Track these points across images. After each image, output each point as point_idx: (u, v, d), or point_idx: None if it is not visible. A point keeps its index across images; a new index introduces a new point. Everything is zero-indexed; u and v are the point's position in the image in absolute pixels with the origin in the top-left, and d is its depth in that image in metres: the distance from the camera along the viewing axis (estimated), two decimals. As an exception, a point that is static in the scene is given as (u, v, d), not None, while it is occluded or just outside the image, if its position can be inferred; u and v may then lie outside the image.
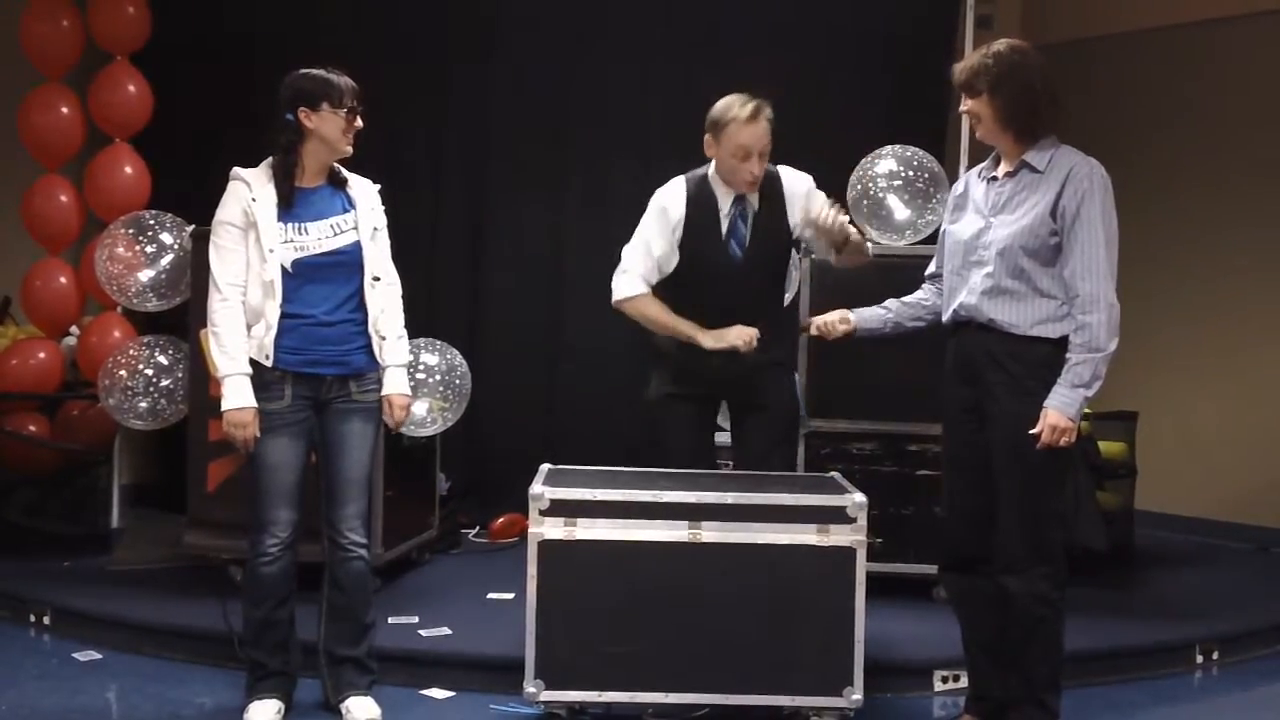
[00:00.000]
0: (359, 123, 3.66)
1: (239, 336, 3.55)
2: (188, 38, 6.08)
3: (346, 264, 3.64)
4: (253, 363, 3.56)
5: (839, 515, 3.60)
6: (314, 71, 3.64)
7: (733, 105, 3.85)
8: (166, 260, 5.09)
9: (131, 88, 5.66)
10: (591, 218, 5.92)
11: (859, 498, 3.63)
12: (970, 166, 4.83)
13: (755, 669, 3.57)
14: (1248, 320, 6.42)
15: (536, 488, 3.61)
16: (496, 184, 6.20)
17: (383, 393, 3.72)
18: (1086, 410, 5.04)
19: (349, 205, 3.69)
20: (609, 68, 6.12)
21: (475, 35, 6.19)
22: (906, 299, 3.74)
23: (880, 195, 4.98)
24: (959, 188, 3.65)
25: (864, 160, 5.06)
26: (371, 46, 6.12)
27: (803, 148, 6.05)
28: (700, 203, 3.96)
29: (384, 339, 3.69)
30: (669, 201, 3.98)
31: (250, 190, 3.58)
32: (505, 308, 6.14)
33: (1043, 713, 3.41)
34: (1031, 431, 3.26)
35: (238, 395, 3.53)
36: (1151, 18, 6.65)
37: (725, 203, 3.96)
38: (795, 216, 3.97)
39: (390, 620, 4.36)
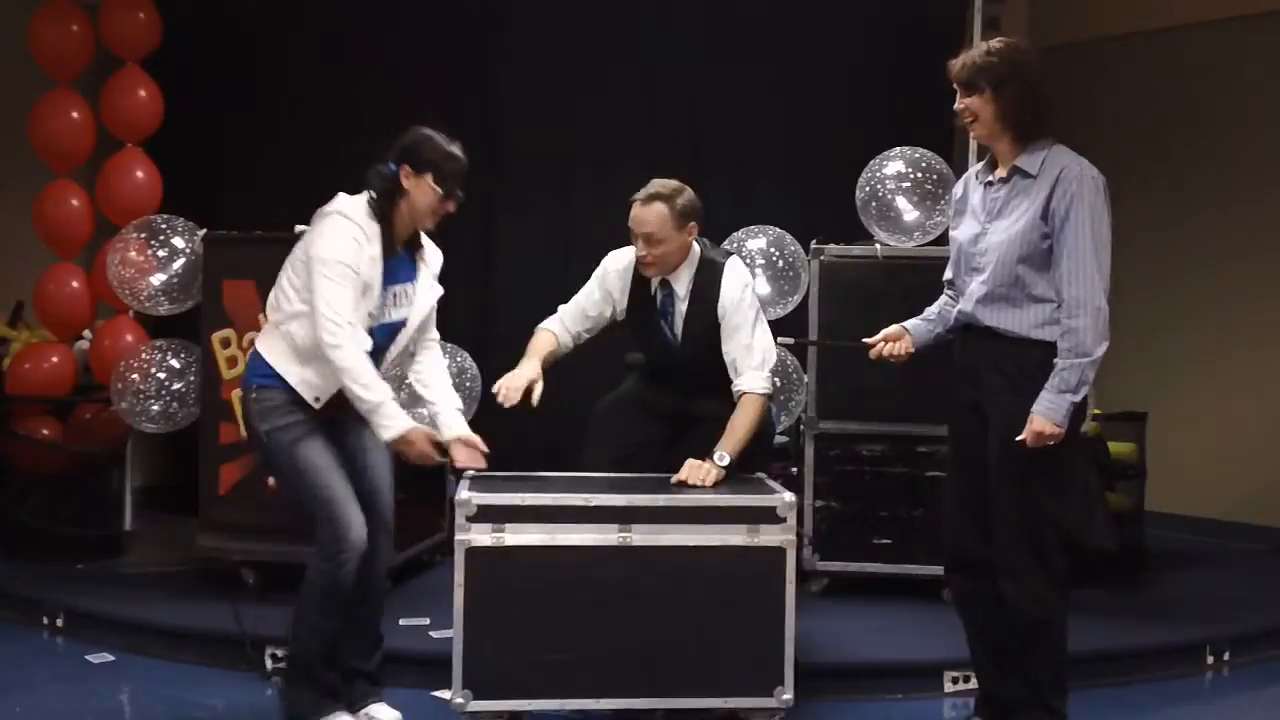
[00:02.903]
0: (450, 208, 3.60)
1: (369, 365, 3.45)
2: (198, 42, 6.11)
3: (403, 329, 3.63)
4: (292, 392, 3.48)
5: (769, 515, 3.56)
6: (440, 141, 3.57)
7: (646, 187, 3.86)
8: (178, 264, 5.10)
9: (142, 92, 5.68)
10: (599, 220, 5.91)
11: (788, 497, 3.60)
12: (978, 167, 4.85)
13: (687, 671, 3.54)
14: (1257, 320, 6.40)
15: (462, 494, 3.53)
16: (505, 187, 6.22)
17: (449, 437, 3.62)
18: (1095, 411, 5.04)
19: (416, 273, 3.66)
20: (616, 70, 6.14)
21: (481, 37, 6.21)
22: (943, 309, 3.66)
23: (889, 197, 4.99)
24: (958, 191, 3.61)
25: (872, 162, 5.07)
26: (376, 50, 6.16)
27: (811, 149, 6.12)
28: (640, 276, 3.98)
29: (429, 389, 3.68)
30: (611, 264, 4.05)
31: (365, 246, 3.48)
32: (514, 311, 6.14)
33: (1050, 716, 3.39)
34: (1018, 438, 3.24)
35: (396, 419, 3.45)
36: (1161, 18, 6.64)
37: (654, 281, 3.98)
38: (723, 321, 3.91)
39: (401, 622, 4.37)
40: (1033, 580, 3.33)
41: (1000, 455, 3.33)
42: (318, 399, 3.49)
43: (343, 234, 3.45)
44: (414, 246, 3.66)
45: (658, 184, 3.86)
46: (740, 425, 3.83)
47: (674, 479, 3.75)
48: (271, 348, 3.53)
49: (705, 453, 3.80)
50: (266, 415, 3.49)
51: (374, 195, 3.55)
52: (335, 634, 3.55)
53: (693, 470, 3.73)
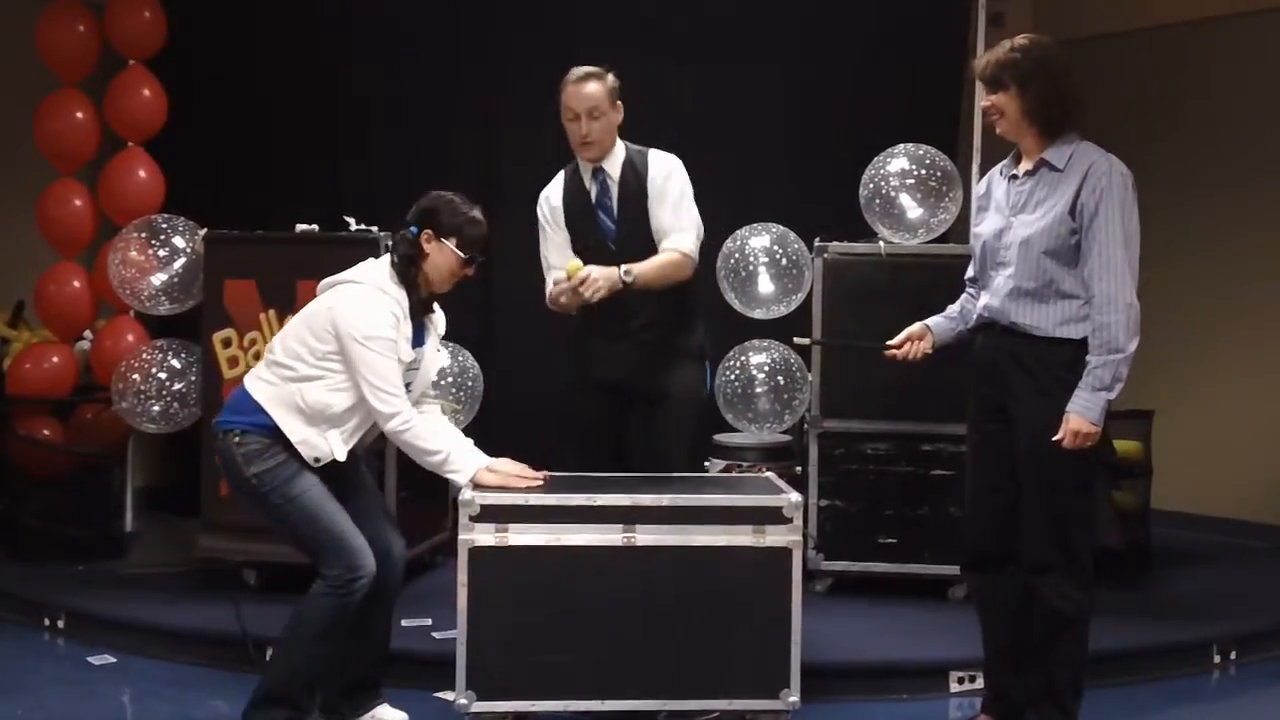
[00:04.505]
0: (470, 272, 3.61)
1: (422, 424, 3.48)
2: (200, 41, 6.10)
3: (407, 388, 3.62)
4: (283, 439, 3.42)
5: (775, 516, 3.54)
6: (458, 203, 3.58)
7: (569, 73, 4.03)
8: (179, 264, 5.09)
9: (146, 92, 5.67)
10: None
11: (794, 497, 3.58)
12: (983, 164, 4.84)
13: (691, 673, 3.51)
14: (1263, 318, 6.38)
15: (466, 494, 3.51)
16: (504, 187, 6.19)
17: (466, 480, 3.56)
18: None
19: (425, 338, 3.65)
20: (617, 69, 6.11)
21: (481, 35, 6.19)
22: (964, 307, 3.66)
23: (893, 194, 4.96)
24: (981, 187, 3.61)
25: (876, 159, 5.05)
26: (378, 50, 6.14)
27: (814, 146, 6.09)
28: (572, 184, 4.13)
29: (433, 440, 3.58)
30: (548, 190, 4.18)
31: (402, 323, 3.49)
32: (516, 309, 6.13)
33: (1062, 715, 3.38)
34: (1054, 438, 3.23)
35: (464, 466, 3.51)
36: (1167, 13, 6.62)
37: (587, 175, 4.09)
38: (653, 194, 4.03)
39: (404, 623, 4.35)
40: (1062, 578, 3.32)
41: (1031, 454, 3.32)
42: (317, 460, 3.44)
43: (382, 309, 3.45)
44: (426, 310, 3.65)
45: (583, 67, 4.02)
46: (653, 260, 3.92)
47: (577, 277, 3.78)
48: (273, 400, 3.45)
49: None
50: (253, 458, 3.42)
51: (396, 260, 3.53)
52: (328, 657, 3.48)
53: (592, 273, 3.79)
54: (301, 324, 3.52)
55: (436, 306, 3.72)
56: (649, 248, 4.00)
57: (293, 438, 3.42)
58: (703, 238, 4.11)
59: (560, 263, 4.07)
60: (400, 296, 3.50)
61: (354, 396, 3.45)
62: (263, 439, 3.43)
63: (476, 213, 3.60)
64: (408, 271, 3.53)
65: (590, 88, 3.97)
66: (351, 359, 3.42)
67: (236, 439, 3.44)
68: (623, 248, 4.01)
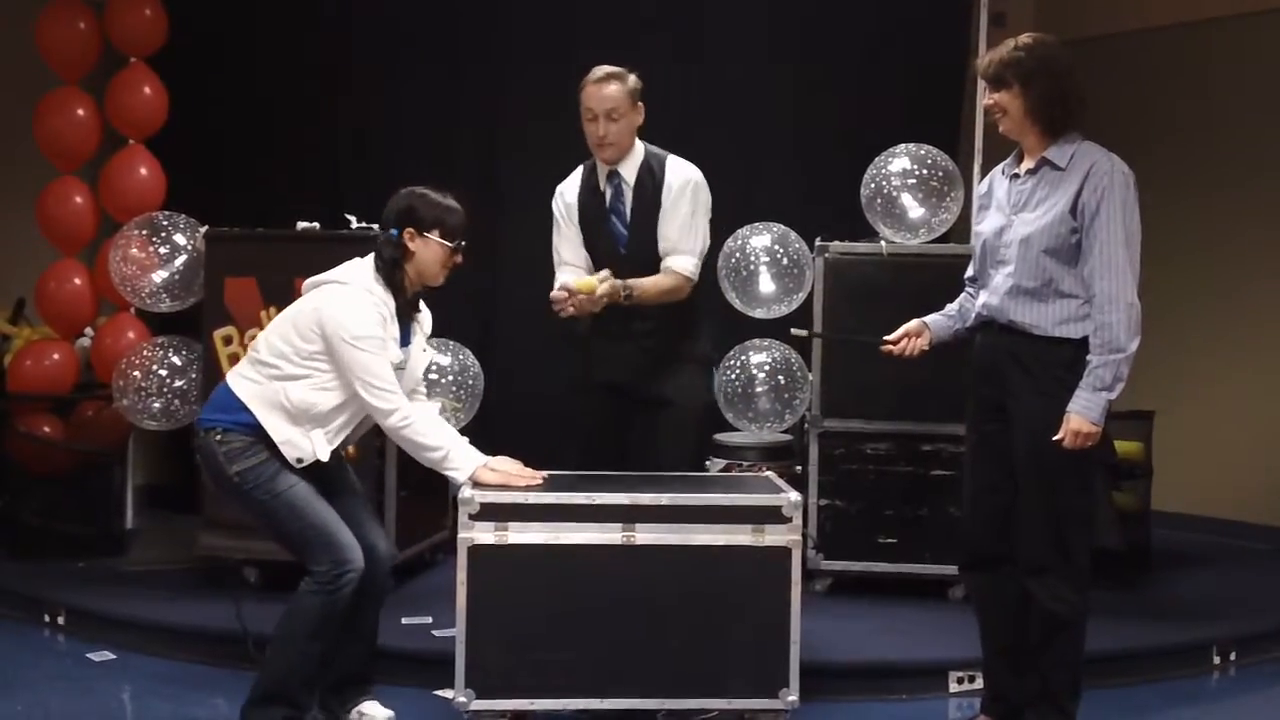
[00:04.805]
0: (460, 259, 3.60)
1: (421, 422, 3.47)
2: (203, 40, 6.10)
3: None
4: (266, 438, 3.41)
5: (774, 515, 3.53)
6: (432, 195, 3.56)
7: (591, 72, 4.01)
8: (180, 261, 5.09)
9: (147, 89, 5.67)
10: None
11: (794, 497, 3.57)
12: (984, 164, 4.84)
13: (690, 672, 3.51)
14: (1265, 319, 6.38)
15: (465, 491, 3.50)
16: (505, 187, 6.20)
17: (465, 477, 3.55)
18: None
19: (411, 337, 3.64)
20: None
21: (481, 35, 6.19)
22: (963, 305, 3.65)
23: (894, 194, 4.96)
24: (983, 187, 3.61)
25: (878, 159, 5.04)
26: (379, 49, 6.14)
27: (816, 146, 6.10)
28: (588, 183, 4.12)
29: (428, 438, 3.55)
30: (564, 186, 4.19)
31: (389, 324, 3.48)
32: (517, 308, 6.14)
33: (1060, 716, 3.38)
34: (1055, 438, 3.23)
35: (463, 464, 3.48)
36: (1165, 14, 6.62)
37: (603, 177, 4.08)
38: (667, 204, 4.02)
39: (403, 621, 4.36)
40: (1057, 579, 3.32)
41: (1028, 454, 3.32)
42: (300, 461, 3.43)
43: (369, 309, 3.44)
44: (413, 310, 3.65)
45: (605, 67, 4.00)
46: (653, 279, 3.96)
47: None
48: (256, 398, 3.43)
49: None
50: (235, 457, 3.41)
51: (381, 264, 3.52)
52: (321, 654, 3.47)
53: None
54: (287, 323, 3.50)
55: (423, 306, 3.71)
56: (659, 255, 4.01)
57: (276, 437, 3.41)
58: (705, 253, 4.11)
59: (571, 258, 4.10)
60: (386, 297, 3.50)
61: (339, 396, 3.45)
62: (245, 437, 3.42)
63: (451, 200, 3.59)
64: (393, 275, 3.52)
65: (610, 89, 3.95)
66: (343, 360, 3.41)
67: (218, 437, 3.43)
68: (633, 253, 4.02)
